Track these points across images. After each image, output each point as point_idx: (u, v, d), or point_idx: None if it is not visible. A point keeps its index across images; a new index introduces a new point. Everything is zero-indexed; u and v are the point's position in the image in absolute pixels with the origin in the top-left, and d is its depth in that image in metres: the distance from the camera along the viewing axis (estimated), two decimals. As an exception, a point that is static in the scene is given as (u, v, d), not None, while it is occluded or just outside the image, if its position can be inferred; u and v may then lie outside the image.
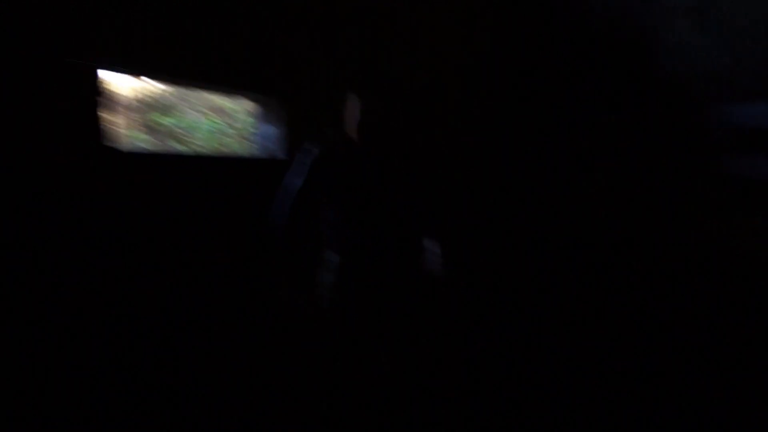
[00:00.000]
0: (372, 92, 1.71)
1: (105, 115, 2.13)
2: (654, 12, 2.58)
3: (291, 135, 2.84)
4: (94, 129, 2.10)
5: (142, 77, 2.42)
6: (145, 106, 3.73)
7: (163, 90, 3.77)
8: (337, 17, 3.02)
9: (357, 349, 1.87)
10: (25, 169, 1.91)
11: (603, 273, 3.08)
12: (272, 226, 1.83)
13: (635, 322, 2.91)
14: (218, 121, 3.80)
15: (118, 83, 3.19)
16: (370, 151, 1.79)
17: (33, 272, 1.94)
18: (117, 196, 2.16)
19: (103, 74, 2.12)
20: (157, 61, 2.29)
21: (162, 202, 2.32)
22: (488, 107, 3.75)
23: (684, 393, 2.53)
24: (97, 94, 2.10)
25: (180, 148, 3.72)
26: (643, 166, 2.82)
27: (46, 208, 1.97)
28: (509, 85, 3.50)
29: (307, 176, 1.78)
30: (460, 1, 3.71)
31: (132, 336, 2.20)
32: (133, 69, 2.26)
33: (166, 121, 3.76)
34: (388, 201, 1.81)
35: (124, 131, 3.39)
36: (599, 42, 2.94)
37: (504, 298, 3.39)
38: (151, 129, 3.73)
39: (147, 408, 2.20)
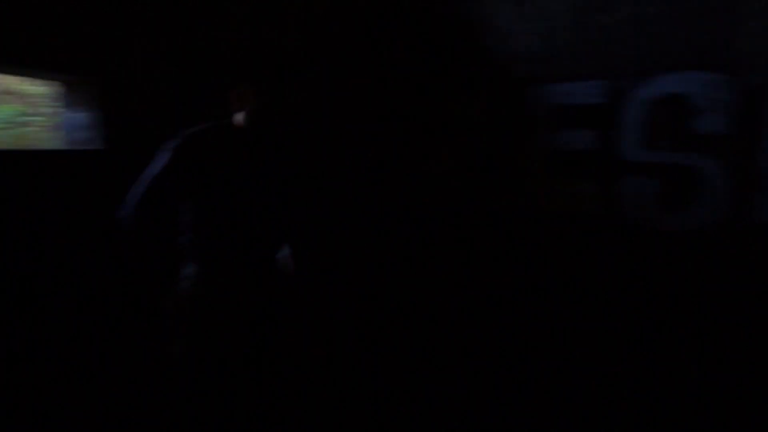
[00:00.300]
0: (270, 78, 1.60)
1: None
2: (481, 1, 2.96)
3: (108, 123, 2.44)
4: None
5: None
6: None
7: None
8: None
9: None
10: None
11: (444, 245, 3.22)
12: (123, 217, 1.62)
13: (475, 290, 3.11)
14: (15, 108, 3.13)
15: None
16: (258, 139, 1.67)
17: None
18: None
19: None
20: None
21: None
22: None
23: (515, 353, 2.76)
24: None
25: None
26: (472, 140, 3.09)
27: None
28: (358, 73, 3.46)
29: (167, 161, 1.58)
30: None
31: None
32: None
33: (-57, 109, 3.00)
34: (257, 198, 1.67)
35: None
36: (433, 29, 3.15)
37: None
38: None
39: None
